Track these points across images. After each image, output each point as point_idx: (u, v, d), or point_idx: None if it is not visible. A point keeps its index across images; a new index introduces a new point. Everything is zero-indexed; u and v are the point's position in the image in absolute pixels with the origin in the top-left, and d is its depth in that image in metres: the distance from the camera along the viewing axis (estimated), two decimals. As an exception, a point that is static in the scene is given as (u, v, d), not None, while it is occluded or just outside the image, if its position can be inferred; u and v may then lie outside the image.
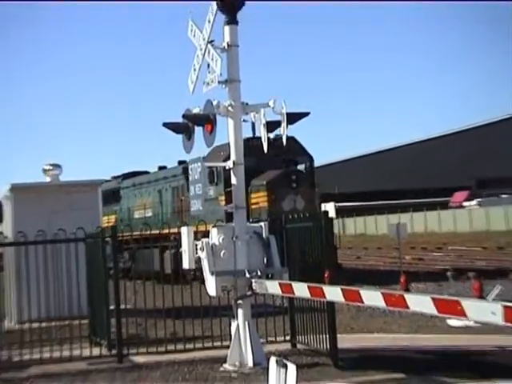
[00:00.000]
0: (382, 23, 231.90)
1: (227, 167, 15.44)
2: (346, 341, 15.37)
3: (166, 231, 34.11)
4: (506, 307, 7.76)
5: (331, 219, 16.27)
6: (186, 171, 35.06)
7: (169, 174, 45.25)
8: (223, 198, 35.43)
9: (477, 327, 16.10)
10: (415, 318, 18.02)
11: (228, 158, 27.63)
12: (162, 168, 48.07)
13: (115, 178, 53.75)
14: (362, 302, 10.91)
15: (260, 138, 32.01)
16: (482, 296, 20.51)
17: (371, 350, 15.59)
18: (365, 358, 14.64)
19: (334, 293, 11.68)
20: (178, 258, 33.53)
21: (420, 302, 9.50)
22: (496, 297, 20.35)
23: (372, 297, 10.57)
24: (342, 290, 11.39)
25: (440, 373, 13.65)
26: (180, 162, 43.47)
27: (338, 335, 14.60)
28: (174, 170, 44.53)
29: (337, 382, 13.21)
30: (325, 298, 12.19)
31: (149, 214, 46.03)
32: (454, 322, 17.11)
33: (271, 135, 32.70)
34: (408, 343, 16.48)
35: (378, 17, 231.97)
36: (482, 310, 8.36)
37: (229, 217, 30.57)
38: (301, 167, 39.19)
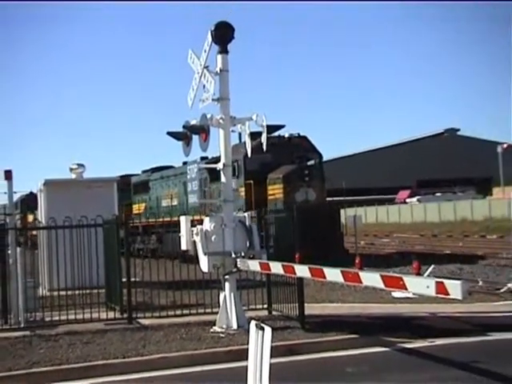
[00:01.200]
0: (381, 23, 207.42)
1: (218, 168, 15.22)
2: (311, 309, 15.41)
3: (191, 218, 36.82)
4: (437, 282, 7.92)
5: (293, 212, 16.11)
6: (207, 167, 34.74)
7: (183, 170, 43.04)
8: (243, 188, 34.20)
9: (415, 298, 16.03)
10: (367, 291, 18.03)
11: (247, 154, 28.69)
12: (186, 163, 43.90)
13: (145, 171, 50.92)
14: (325, 278, 10.87)
15: (277, 136, 33.64)
16: (419, 273, 20.55)
17: (332, 316, 15.58)
18: (326, 323, 14.63)
19: (302, 270, 11.64)
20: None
21: (371, 278, 9.52)
22: (430, 274, 20.66)
23: (333, 274, 10.54)
24: (309, 268, 11.34)
25: (386, 333, 13.77)
26: (202, 158, 39.41)
27: (306, 304, 14.66)
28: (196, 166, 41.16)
29: (306, 339, 13.28)
30: (295, 274, 12.16)
31: (175, 202, 43.73)
32: (397, 293, 17.09)
33: (286, 134, 34.74)
34: (361, 311, 16.49)
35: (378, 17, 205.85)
36: (419, 284, 8.53)
37: (248, 205, 32.30)
38: (311, 163, 36.84)
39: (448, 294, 7.79)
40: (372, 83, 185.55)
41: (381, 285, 9.26)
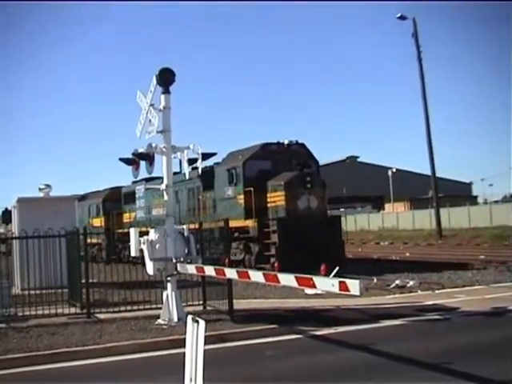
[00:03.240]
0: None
1: (161, 189, 15.22)
2: (239, 304, 15.48)
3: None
4: (340, 281, 8.07)
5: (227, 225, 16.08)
6: (201, 175, 29.77)
7: (185, 177, 37.87)
8: (242, 196, 28.71)
9: (323, 294, 16.15)
10: (284, 289, 18.05)
11: (247, 160, 28.50)
12: (176, 173, 40.89)
13: (135, 182, 43.93)
14: (250, 279, 10.90)
15: (276, 143, 29.57)
16: (326, 274, 20.69)
17: (256, 310, 15.66)
18: (251, 315, 14.70)
19: (231, 273, 11.69)
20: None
21: (287, 279, 9.57)
22: (335, 275, 20.72)
23: (256, 275, 10.58)
24: (236, 271, 11.37)
25: (299, 323, 13.89)
26: (193, 169, 37.46)
27: (234, 300, 14.72)
28: (191, 174, 36.99)
29: (235, 329, 13.28)
30: (225, 276, 12.17)
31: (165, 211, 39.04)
32: (309, 290, 17.14)
33: (286, 141, 29.71)
34: (279, 305, 16.63)
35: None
36: (326, 283, 8.64)
37: (248, 212, 27.75)
38: (310, 170, 31.27)
39: (349, 291, 7.92)
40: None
41: (295, 284, 9.34)
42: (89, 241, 16.77)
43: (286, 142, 29.48)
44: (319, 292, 16.68)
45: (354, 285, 7.85)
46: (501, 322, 13.87)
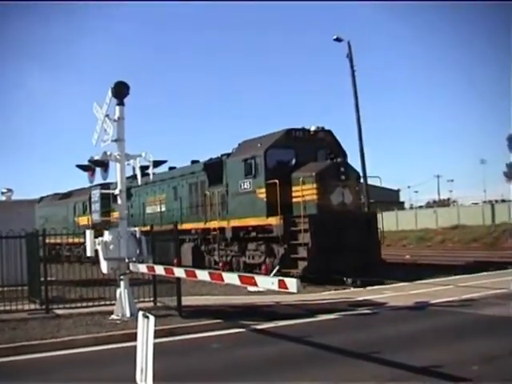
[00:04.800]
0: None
1: (115, 193, 15.15)
2: (187, 301, 15.44)
3: (186, 226, 28.01)
4: (279, 280, 8.14)
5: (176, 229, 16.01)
6: (207, 168, 27.42)
7: (186, 171, 30.34)
8: (263, 190, 22.77)
9: (265, 291, 16.24)
10: (229, 286, 18.07)
11: (269, 148, 22.99)
12: (172, 168, 33.24)
13: (127, 178, 39.36)
14: (197, 278, 10.96)
15: (301, 129, 24.08)
16: (267, 274, 20.74)
17: (203, 306, 15.73)
18: (199, 311, 14.74)
19: (179, 272, 11.70)
20: (194, 249, 28.38)
21: (231, 278, 9.64)
22: (275, 273, 20.72)
23: (202, 274, 10.64)
24: (184, 270, 11.41)
25: (244, 318, 13.99)
26: (193, 162, 30.93)
27: (183, 297, 14.69)
28: (192, 168, 30.03)
29: (183, 323, 13.28)
30: (174, 275, 12.19)
31: (162, 208, 32.10)
32: (251, 288, 17.21)
33: (312, 127, 24.20)
34: (224, 302, 16.70)
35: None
36: (267, 282, 8.71)
37: (271, 208, 22.03)
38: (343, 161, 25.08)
39: (287, 289, 8.04)
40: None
41: (238, 282, 9.43)
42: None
43: (313, 128, 24.46)
44: (261, 289, 16.83)
45: (291, 283, 7.99)
46: (423, 315, 14.19)
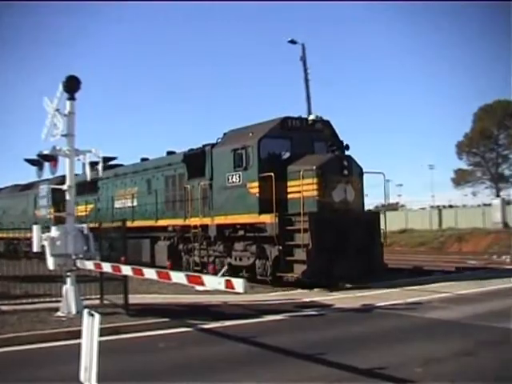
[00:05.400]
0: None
1: (63, 189, 14.96)
2: (134, 299, 15.36)
3: (161, 222, 26.60)
4: (226, 280, 8.17)
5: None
6: (187, 159, 25.18)
7: (162, 163, 27.74)
8: (255, 184, 20.58)
9: (212, 291, 16.25)
10: (177, 285, 17.96)
11: (263, 137, 20.81)
12: (144, 159, 31.03)
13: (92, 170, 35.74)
14: (144, 276, 10.93)
15: (298, 118, 22.14)
16: (215, 273, 20.71)
17: (150, 305, 15.69)
18: (146, 309, 14.69)
19: (126, 269, 11.66)
20: (170, 247, 26.25)
21: (178, 277, 9.65)
22: (223, 274, 20.62)
23: (150, 273, 10.62)
24: (132, 268, 11.36)
25: (191, 317, 13.98)
26: (169, 153, 28.40)
27: (130, 295, 14.62)
28: (169, 159, 27.37)
29: (129, 322, 13.20)
30: (121, 272, 12.12)
31: (134, 203, 29.28)
32: (199, 287, 17.21)
33: (311, 116, 22.78)
34: (172, 300, 16.69)
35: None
36: (214, 282, 8.75)
37: (264, 205, 19.96)
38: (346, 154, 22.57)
39: (234, 289, 8.09)
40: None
41: (185, 282, 9.45)
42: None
43: (311, 117, 22.69)
44: (209, 289, 16.85)
45: (238, 283, 8.04)
46: (368, 317, 14.38)
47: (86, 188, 32.50)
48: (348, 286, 19.80)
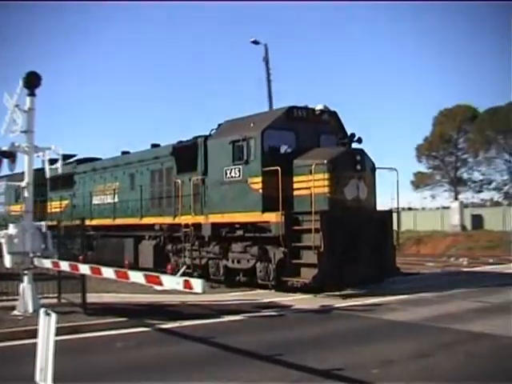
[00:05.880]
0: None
1: (22, 186, 14.79)
2: (93, 298, 15.31)
3: (147, 220, 24.70)
4: (184, 280, 8.19)
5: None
6: (176, 151, 23.23)
7: (147, 156, 25.63)
8: (258, 179, 18.74)
9: (171, 290, 16.16)
10: (136, 284, 17.85)
11: (267, 128, 18.99)
12: (125, 153, 28.61)
13: (66, 163, 29.60)
14: (102, 275, 10.87)
15: (304, 107, 20.18)
16: (173, 273, 20.51)
17: (108, 304, 15.59)
18: (104, 309, 14.61)
19: (84, 268, 11.59)
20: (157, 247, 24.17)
21: (136, 276, 9.63)
22: (181, 274, 20.40)
23: (108, 272, 10.57)
24: (90, 267, 11.29)
25: (149, 317, 13.95)
26: (153, 146, 26.41)
27: (88, 294, 14.55)
28: (155, 152, 25.30)
29: (87, 321, 13.08)
30: (79, 271, 12.05)
31: (116, 199, 27.20)
32: (158, 287, 17.16)
33: (319, 106, 20.35)
34: (130, 300, 16.65)
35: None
36: (172, 281, 8.76)
37: (268, 202, 18.18)
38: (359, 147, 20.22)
39: (192, 289, 8.10)
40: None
41: (143, 281, 9.44)
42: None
43: (319, 107, 20.48)
44: (167, 288, 16.82)
45: (196, 283, 8.07)
46: (327, 318, 14.50)
47: (60, 183, 31.62)
48: (359, 291, 18.61)
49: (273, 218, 18.22)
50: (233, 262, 20.50)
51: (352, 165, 18.24)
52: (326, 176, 17.74)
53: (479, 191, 73.04)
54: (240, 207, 19.43)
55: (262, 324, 13.94)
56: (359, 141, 19.66)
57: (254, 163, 18.97)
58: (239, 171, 19.53)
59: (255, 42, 38.77)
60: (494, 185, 71.37)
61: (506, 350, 10.80)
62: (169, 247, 23.74)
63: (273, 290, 18.91)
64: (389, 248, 19.08)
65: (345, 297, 17.61)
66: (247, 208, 19.14)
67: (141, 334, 12.57)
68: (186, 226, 21.87)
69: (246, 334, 12.51)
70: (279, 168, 17.83)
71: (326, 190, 17.76)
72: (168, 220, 23.33)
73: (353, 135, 19.60)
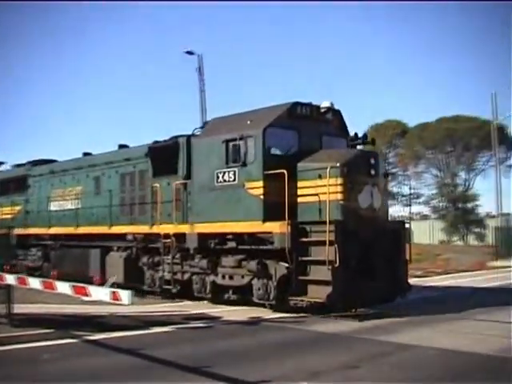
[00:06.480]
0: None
1: None
2: (19, 309, 14.79)
3: (118, 229, 22.04)
4: (112, 291, 8.19)
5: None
6: (153, 152, 20.91)
7: (116, 158, 23.14)
8: (259, 183, 16.45)
9: (100, 301, 15.93)
10: (64, 295, 17.37)
11: (269, 126, 16.76)
12: (87, 154, 25.95)
13: (19, 165, 29.83)
14: (29, 286, 10.75)
15: (309, 104, 17.87)
16: (102, 284, 19.99)
17: (35, 315, 15.27)
18: (31, 320, 14.31)
19: (10, 279, 11.40)
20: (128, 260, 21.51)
21: (63, 287, 9.57)
22: (111, 285, 19.79)
23: (34, 282, 10.46)
24: (16, 277, 11.14)
25: (76, 328, 13.68)
26: (121, 146, 23.95)
27: (14, 305, 14.14)
28: (127, 153, 22.80)
29: (12, 333, 12.81)
30: (4, 281, 11.87)
31: (77, 205, 24.51)
32: (86, 297, 16.91)
33: (326, 103, 18.08)
34: (57, 311, 16.38)
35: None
36: (100, 293, 8.69)
37: (271, 210, 16.11)
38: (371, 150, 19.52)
39: (120, 300, 8.10)
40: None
41: (71, 292, 9.38)
42: None
43: (325, 104, 18.11)
44: (96, 299, 16.63)
45: (124, 295, 8.06)
46: (256, 330, 14.58)
47: (11, 186, 29.02)
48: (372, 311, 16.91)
49: (276, 228, 16.01)
50: (223, 277, 18.13)
51: (366, 169, 16.32)
52: (340, 181, 15.67)
53: (408, 205, 74.68)
54: (235, 215, 17.17)
55: (190, 336, 13.91)
56: (373, 142, 18.38)
57: (254, 165, 16.75)
58: (234, 174, 17.26)
59: (189, 53, 38.91)
60: (422, 199, 73.10)
61: (430, 359, 11.12)
62: (144, 260, 21.16)
63: (266, 310, 17.32)
64: (401, 263, 17.25)
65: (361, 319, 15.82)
66: (244, 216, 16.91)
67: (67, 345, 12.35)
68: (167, 236, 19.51)
69: (173, 346, 12.47)
70: (285, 171, 15.74)
71: (339, 196, 15.66)
72: (144, 229, 20.91)
73: (365, 136, 18.29)
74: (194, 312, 16.96)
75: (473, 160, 70.56)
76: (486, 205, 78.50)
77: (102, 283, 20.22)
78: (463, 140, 67.73)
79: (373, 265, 16.07)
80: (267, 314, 16.69)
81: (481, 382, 9.47)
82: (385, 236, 16.61)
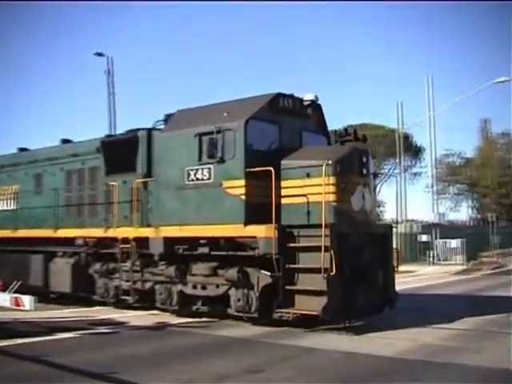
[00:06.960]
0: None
1: None
2: None
3: (65, 233, 19.77)
4: (13, 297, 8.08)
5: None
6: (106, 147, 18.84)
7: (60, 153, 20.81)
8: (240, 183, 14.70)
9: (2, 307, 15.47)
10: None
11: (251, 118, 15.05)
12: (23, 150, 23.48)
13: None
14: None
15: (291, 96, 16.33)
16: (4, 289, 18.51)
17: None
18: None
19: None
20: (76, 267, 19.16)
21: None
22: (14, 291, 18.13)
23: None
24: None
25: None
26: (65, 141, 21.68)
27: None
28: (73, 148, 20.58)
29: None
30: None
31: (14, 206, 22.23)
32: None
33: (311, 96, 16.49)
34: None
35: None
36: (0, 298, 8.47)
37: (254, 212, 14.44)
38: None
39: (23, 306, 7.98)
40: None
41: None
42: None
43: (309, 96, 16.49)
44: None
45: (27, 300, 7.95)
46: (162, 335, 14.58)
47: None
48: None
49: (262, 232, 14.28)
50: (194, 287, 16.30)
51: (359, 168, 14.91)
52: (332, 180, 14.08)
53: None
54: (210, 218, 15.39)
55: (96, 341, 13.78)
56: (364, 140, 16.39)
57: (234, 162, 14.96)
58: (209, 172, 15.46)
59: (99, 54, 38.45)
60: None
61: (335, 362, 11.40)
62: (96, 267, 19.00)
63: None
64: (390, 270, 15.91)
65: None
66: (221, 219, 15.14)
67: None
68: (125, 240, 17.66)
69: (79, 352, 12.31)
70: (272, 169, 14.15)
71: (332, 197, 14.04)
72: (97, 233, 18.84)
73: (355, 132, 16.21)
74: (101, 317, 16.78)
75: (378, 167, 72.58)
76: (391, 211, 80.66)
77: (3, 289, 19.25)
78: (370, 147, 69.47)
79: (366, 274, 14.77)
80: (173, 319, 16.68)
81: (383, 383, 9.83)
82: (376, 241, 15.54)
